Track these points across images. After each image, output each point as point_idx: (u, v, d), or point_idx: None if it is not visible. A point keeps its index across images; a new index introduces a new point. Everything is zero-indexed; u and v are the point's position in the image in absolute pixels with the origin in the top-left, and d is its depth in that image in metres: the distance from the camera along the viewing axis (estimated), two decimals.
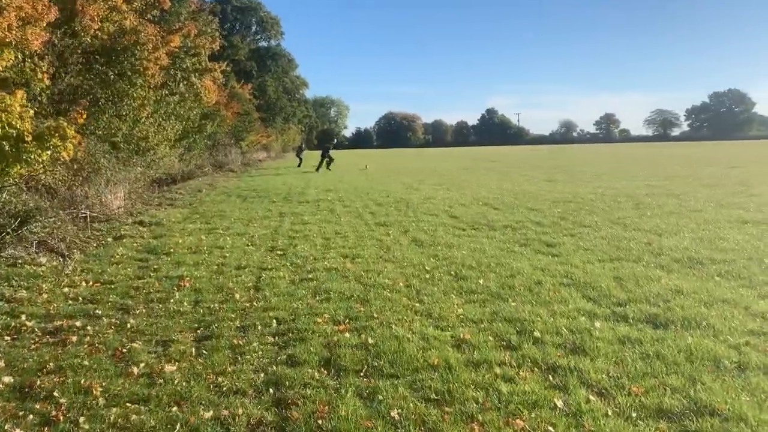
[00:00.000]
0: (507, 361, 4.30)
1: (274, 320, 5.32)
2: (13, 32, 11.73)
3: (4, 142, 7.60)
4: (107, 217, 11.81)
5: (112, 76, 16.49)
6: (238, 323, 5.26)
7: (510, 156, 51.84)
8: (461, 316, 5.34)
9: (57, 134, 8.16)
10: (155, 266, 7.54)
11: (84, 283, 6.71)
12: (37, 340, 4.91)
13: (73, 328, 5.13)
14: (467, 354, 4.46)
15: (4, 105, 7.85)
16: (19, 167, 8.24)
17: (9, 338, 4.94)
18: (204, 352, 4.58)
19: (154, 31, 17.67)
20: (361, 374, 4.12)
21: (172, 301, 5.92)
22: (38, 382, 4.00)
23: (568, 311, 5.42)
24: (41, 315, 5.53)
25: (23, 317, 5.44)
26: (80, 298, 6.09)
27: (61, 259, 8.01)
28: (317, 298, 6.00)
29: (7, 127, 7.63)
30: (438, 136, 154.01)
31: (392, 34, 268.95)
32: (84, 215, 11.00)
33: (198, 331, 5.11)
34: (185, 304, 5.81)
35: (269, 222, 11.40)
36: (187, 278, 6.80)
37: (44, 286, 6.54)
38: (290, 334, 4.93)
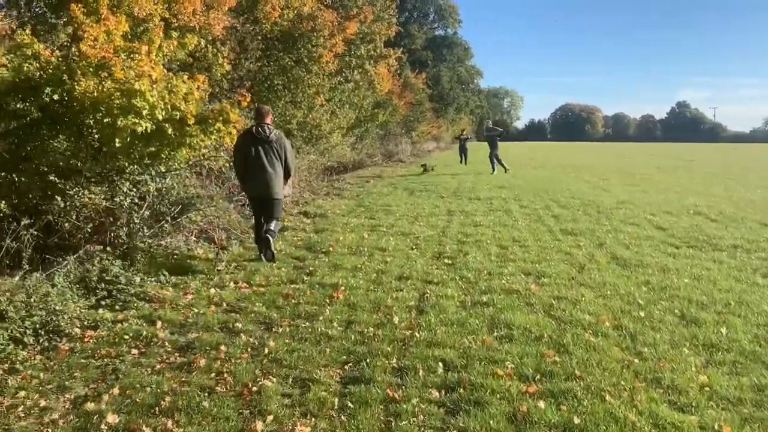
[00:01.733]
0: None
1: (440, 363, 4.09)
2: (197, 17, 11.79)
3: (167, 125, 7.26)
4: None
5: (289, 63, 16.48)
6: (395, 361, 4.12)
7: (709, 154, 45.79)
8: (707, 390, 3.69)
9: (220, 118, 7.70)
10: (310, 268, 6.73)
11: (232, 284, 6.06)
12: (163, 357, 4.19)
13: (205, 346, 4.36)
14: None
15: (170, 86, 7.53)
16: (183, 152, 7.95)
17: (136, 352, 4.29)
18: (349, 405, 3.49)
19: (332, 17, 17.41)
20: None
21: (321, 318, 4.96)
22: (144, 428, 3.18)
23: None
24: (178, 323, 4.86)
25: (159, 324, 4.81)
26: (224, 304, 5.38)
27: (218, 252, 7.56)
28: (495, 333, 4.68)
29: (170, 109, 7.28)
30: (619, 129, 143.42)
31: (571, 23, 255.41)
32: (246, 204, 10.71)
33: (346, 366, 4.06)
34: (335, 324, 4.82)
35: (436, 221, 10.27)
36: (342, 288, 5.84)
37: (192, 284, 5.99)
38: (461, 391, 3.67)
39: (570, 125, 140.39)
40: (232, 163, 11.59)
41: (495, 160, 22.23)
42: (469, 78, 66.90)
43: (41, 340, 4.37)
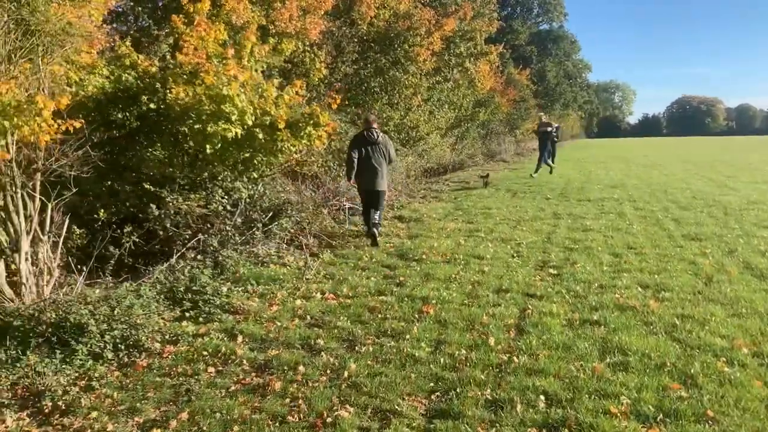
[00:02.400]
0: None
1: (542, 396, 3.52)
2: (294, 22, 11.77)
3: (258, 130, 7.13)
4: None
5: (385, 64, 16.24)
6: (489, 392, 3.60)
7: None
8: None
9: (311, 121, 7.49)
10: (401, 278, 6.31)
11: (319, 295, 5.77)
12: (239, 377, 3.93)
13: (284, 366, 4.05)
14: None
15: (260, 90, 7.41)
16: (275, 157, 7.82)
17: (213, 370, 4.06)
18: None
19: (429, 15, 16.98)
20: None
21: (408, 337, 4.52)
22: None
23: None
24: (259, 338, 4.61)
25: (239, 339, 4.58)
26: (308, 317, 5.08)
27: (306, 260, 7.34)
28: (608, 360, 4.02)
29: (260, 114, 7.15)
30: (744, 122, 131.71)
31: (684, 10, 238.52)
32: (344, 207, 10.51)
33: (432, 396, 3.60)
34: (423, 345, 4.36)
35: (541, 225, 9.52)
36: (434, 302, 5.37)
37: (278, 295, 5.75)
38: None
39: (688, 119, 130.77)
40: (327, 166, 11.53)
41: (543, 160, 19.10)
42: (577, 72, 63.90)
43: (121, 355, 4.27)
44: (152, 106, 7.20)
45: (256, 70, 8.06)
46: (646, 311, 4.99)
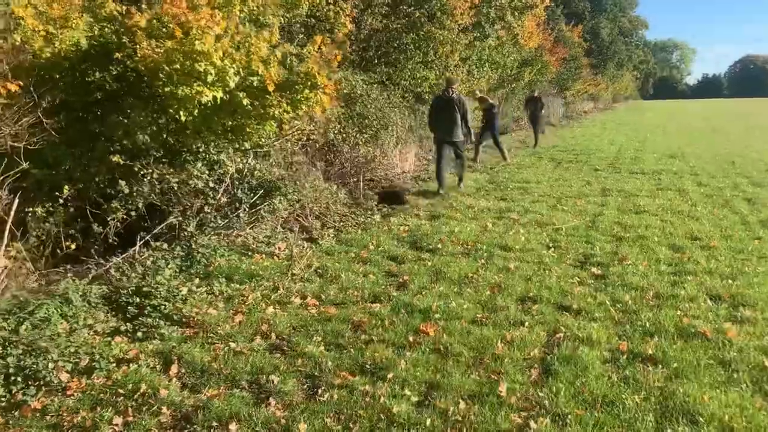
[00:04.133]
0: None
1: None
2: None
3: (242, 94, 5.96)
4: (390, 183, 10.00)
5: (420, 18, 14.72)
6: None
7: None
8: None
9: (308, 83, 6.28)
10: (405, 276, 5.12)
11: (299, 299, 4.64)
12: None
13: (211, 422, 2.96)
14: None
15: (247, 45, 6.20)
16: (272, 125, 6.65)
17: (120, 421, 3.00)
18: None
19: None
20: None
21: (391, 376, 3.32)
22: None
23: None
24: (199, 368, 3.50)
25: (174, 368, 3.51)
26: (273, 335, 3.97)
27: (291, 252, 6.23)
28: (672, 426, 2.79)
29: (242, 73, 5.95)
30: None
31: None
32: (359, 181, 9.33)
33: None
34: (408, 392, 3.14)
35: (585, 204, 8.13)
36: (437, 316, 4.17)
37: (250, 297, 4.66)
38: None
39: (752, 80, 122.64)
40: (345, 132, 10.30)
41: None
42: (633, 29, 59.98)
43: (14, 390, 3.26)
44: (130, 65, 6.13)
45: (249, 22, 6.88)
46: (721, 341, 3.68)
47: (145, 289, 4.53)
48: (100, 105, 6.37)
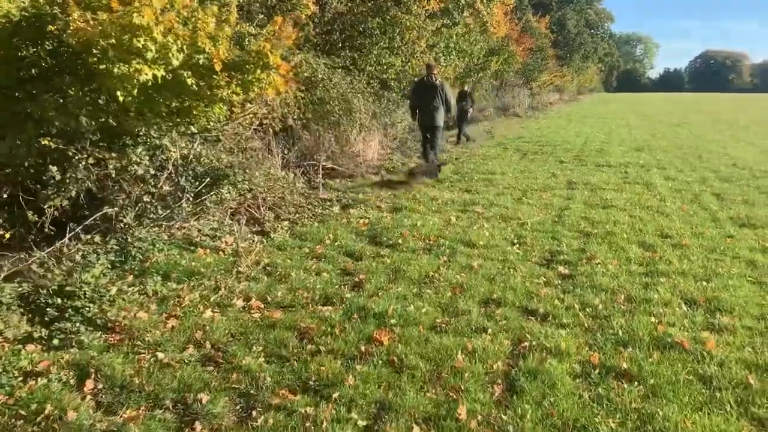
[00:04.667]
0: None
1: None
2: None
3: (186, 73, 5.45)
4: (351, 172, 9.59)
5: (387, 2, 14.23)
6: None
7: None
8: None
9: (260, 63, 5.81)
10: (361, 275, 4.73)
11: (241, 301, 4.21)
12: None
13: None
14: None
15: (194, 19, 5.68)
16: (220, 108, 6.15)
17: None
18: None
19: None
20: None
21: (337, 396, 2.94)
22: None
23: None
24: (118, 383, 3.05)
25: (89, 384, 3.06)
26: (208, 344, 3.54)
27: (253, 239, 5.79)
28: None
29: (187, 50, 5.44)
30: None
31: None
32: (318, 167, 8.89)
33: None
34: (355, 415, 2.76)
35: (551, 197, 7.86)
36: (393, 322, 3.80)
37: (187, 298, 4.21)
38: None
39: (711, 75, 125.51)
40: (305, 118, 9.81)
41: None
42: (599, 22, 60.53)
43: None
44: (65, 39, 5.54)
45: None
46: (699, 353, 3.39)
47: (68, 288, 4.03)
48: (33, 83, 5.80)
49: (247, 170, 6.51)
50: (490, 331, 3.70)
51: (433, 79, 10.03)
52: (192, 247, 5.33)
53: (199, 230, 5.70)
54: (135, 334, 3.64)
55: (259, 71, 5.79)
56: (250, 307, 4.11)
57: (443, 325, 3.77)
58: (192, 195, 5.78)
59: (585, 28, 54.03)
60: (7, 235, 4.97)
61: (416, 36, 15.21)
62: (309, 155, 9.49)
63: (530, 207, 7.28)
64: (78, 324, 3.70)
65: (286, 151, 9.31)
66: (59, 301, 3.92)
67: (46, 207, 5.16)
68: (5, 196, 5.32)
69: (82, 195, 5.42)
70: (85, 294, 4.00)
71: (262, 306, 4.13)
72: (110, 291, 4.16)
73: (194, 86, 5.59)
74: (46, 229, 5.15)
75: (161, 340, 3.56)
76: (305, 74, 9.93)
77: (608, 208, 7.22)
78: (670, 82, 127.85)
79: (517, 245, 5.65)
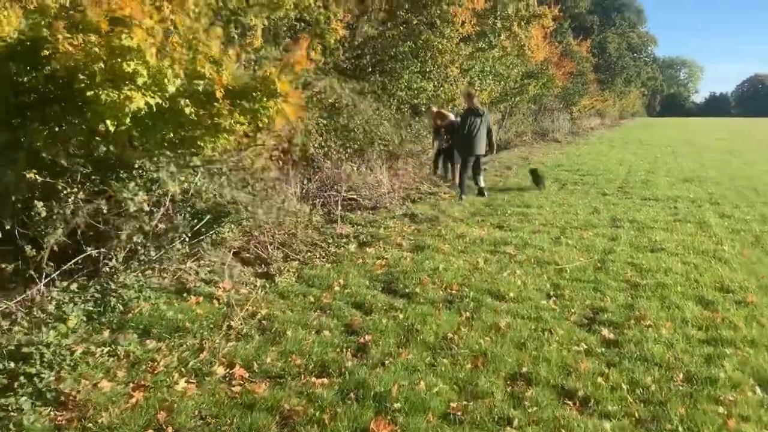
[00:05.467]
0: None
1: None
2: None
3: (183, 101, 4.93)
4: (375, 203, 8.98)
5: (419, 26, 13.74)
6: None
7: None
8: None
9: (267, 90, 5.27)
10: (368, 335, 4.07)
11: (223, 369, 3.59)
12: None
13: None
14: None
15: (196, 40, 5.18)
16: (227, 139, 5.61)
17: None
18: None
19: None
20: None
21: None
22: None
23: None
24: None
25: None
26: (170, 429, 2.93)
27: (255, 284, 5.20)
28: None
29: (184, 77, 4.93)
30: None
31: None
32: (339, 199, 8.30)
33: None
34: None
35: (594, 238, 7.08)
36: (396, 411, 3.12)
37: (162, 363, 3.61)
38: None
39: (760, 99, 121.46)
40: (327, 146, 9.27)
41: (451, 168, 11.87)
42: (642, 45, 59.16)
43: None
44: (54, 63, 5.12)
45: (229, 23, 6.00)
46: None
47: (25, 349, 3.48)
48: (30, 110, 5.38)
49: (253, 206, 5.94)
50: (516, 423, 2.98)
51: (480, 109, 10.59)
52: (185, 294, 4.77)
53: (196, 273, 5.14)
54: (89, 412, 3.06)
55: (265, 99, 5.26)
56: (232, 377, 3.49)
57: (458, 413, 3.07)
58: (189, 234, 5.23)
59: (627, 51, 52.84)
60: (9, 268, 4.60)
61: (449, 60, 14.67)
62: (330, 185, 8.93)
63: (569, 249, 6.52)
64: (24, 398, 3.13)
65: (306, 182, 8.78)
66: (12, 365, 3.38)
67: (44, 242, 4.75)
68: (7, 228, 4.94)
69: (78, 232, 4.98)
70: (42, 357, 3.44)
71: (246, 375, 3.50)
72: (75, 353, 3.61)
73: (193, 115, 5.09)
74: (44, 266, 4.72)
75: (116, 423, 2.96)
76: (329, 100, 9.44)
77: (657, 251, 6.40)
78: (715, 107, 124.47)
79: (554, 298, 4.91)
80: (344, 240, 6.83)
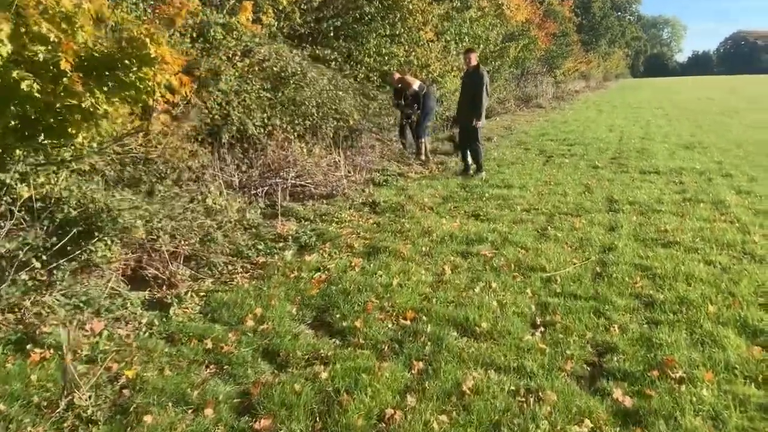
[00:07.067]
0: None
1: None
2: None
3: (19, 73, 3.47)
4: (330, 190, 7.56)
5: None
6: None
7: None
8: None
9: (136, 55, 3.81)
10: (263, 422, 2.73)
11: None
12: None
13: None
14: None
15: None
16: (94, 126, 4.15)
17: None
18: None
19: None
20: None
21: None
22: None
23: None
24: None
25: None
26: None
27: (139, 323, 3.81)
28: None
29: (25, 43, 3.45)
30: None
31: None
32: (283, 188, 6.91)
33: None
34: None
35: (587, 226, 5.76)
36: None
37: None
38: None
39: (743, 56, 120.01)
40: (269, 124, 7.79)
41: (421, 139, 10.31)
42: (626, 3, 57.37)
43: None
44: None
45: None
46: None
47: None
48: None
49: (148, 210, 4.51)
50: None
51: (467, 67, 8.99)
52: (27, 346, 3.38)
53: (50, 309, 3.73)
54: None
55: (135, 69, 3.81)
56: None
57: None
58: (44, 256, 3.81)
59: (611, 10, 51.03)
60: None
61: (421, 22, 13.12)
62: (276, 171, 7.51)
63: (558, 246, 5.18)
64: None
65: (244, 168, 7.36)
66: None
67: None
68: None
69: None
70: None
71: None
72: None
73: (36, 93, 3.62)
74: None
75: None
76: (275, 68, 7.97)
77: (670, 246, 5.08)
78: (699, 66, 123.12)
79: (541, 329, 3.58)
80: (281, 244, 5.45)
